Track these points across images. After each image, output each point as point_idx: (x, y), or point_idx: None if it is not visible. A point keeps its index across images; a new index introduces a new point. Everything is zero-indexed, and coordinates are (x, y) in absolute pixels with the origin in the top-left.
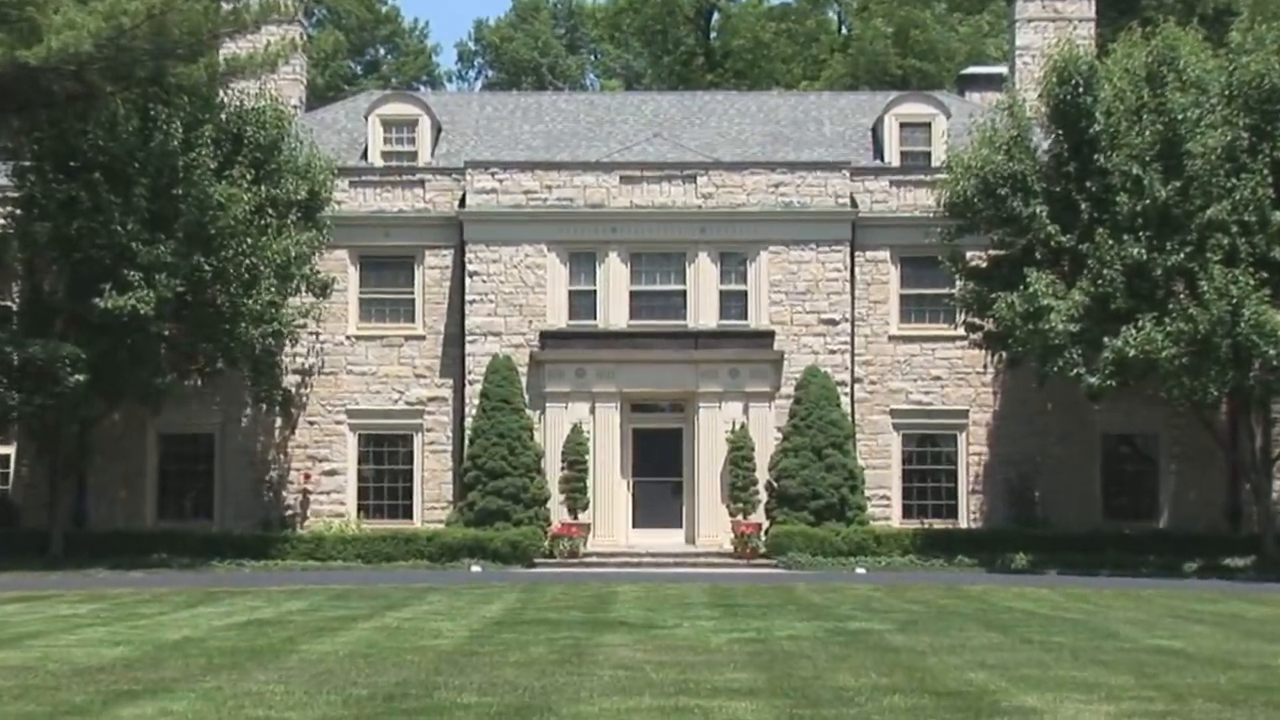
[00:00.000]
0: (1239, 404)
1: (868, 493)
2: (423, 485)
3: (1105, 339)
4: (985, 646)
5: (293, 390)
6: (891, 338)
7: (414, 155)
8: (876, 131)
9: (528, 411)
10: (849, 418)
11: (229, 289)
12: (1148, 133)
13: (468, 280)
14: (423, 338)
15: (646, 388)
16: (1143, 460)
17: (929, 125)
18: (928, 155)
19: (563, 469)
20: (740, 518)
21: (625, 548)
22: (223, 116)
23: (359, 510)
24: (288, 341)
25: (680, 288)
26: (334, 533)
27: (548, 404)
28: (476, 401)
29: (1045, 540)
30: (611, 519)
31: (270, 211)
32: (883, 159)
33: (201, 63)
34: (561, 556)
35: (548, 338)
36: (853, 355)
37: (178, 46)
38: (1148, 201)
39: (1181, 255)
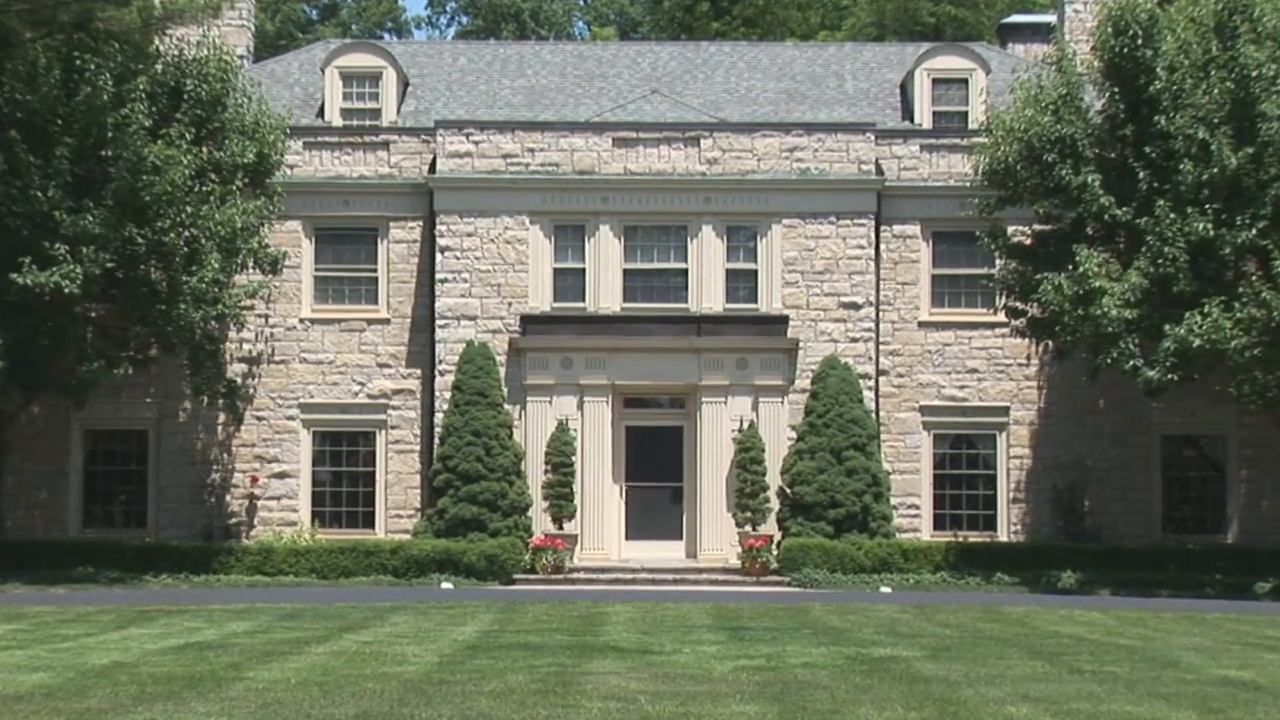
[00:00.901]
0: None
1: (894, 501)
2: (386, 490)
3: (1166, 327)
4: (1028, 677)
5: (238, 381)
6: (922, 324)
7: (377, 113)
8: (906, 88)
9: (506, 406)
10: (873, 415)
11: (166, 265)
12: (1216, 91)
13: (438, 256)
14: (387, 322)
15: (642, 380)
16: (1208, 465)
17: (965, 81)
18: (964, 116)
19: (546, 472)
20: (748, 529)
21: (617, 562)
22: (159, 68)
23: (313, 518)
24: (233, 325)
25: (681, 266)
26: (285, 544)
27: (529, 398)
28: (448, 395)
29: (1096, 556)
30: (602, 529)
31: (213, 177)
32: (912, 120)
33: (135, 5)
34: (544, 572)
35: (530, 322)
36: (877, 344)
37: None
38: (1215, 170)
39: (1253, 231)
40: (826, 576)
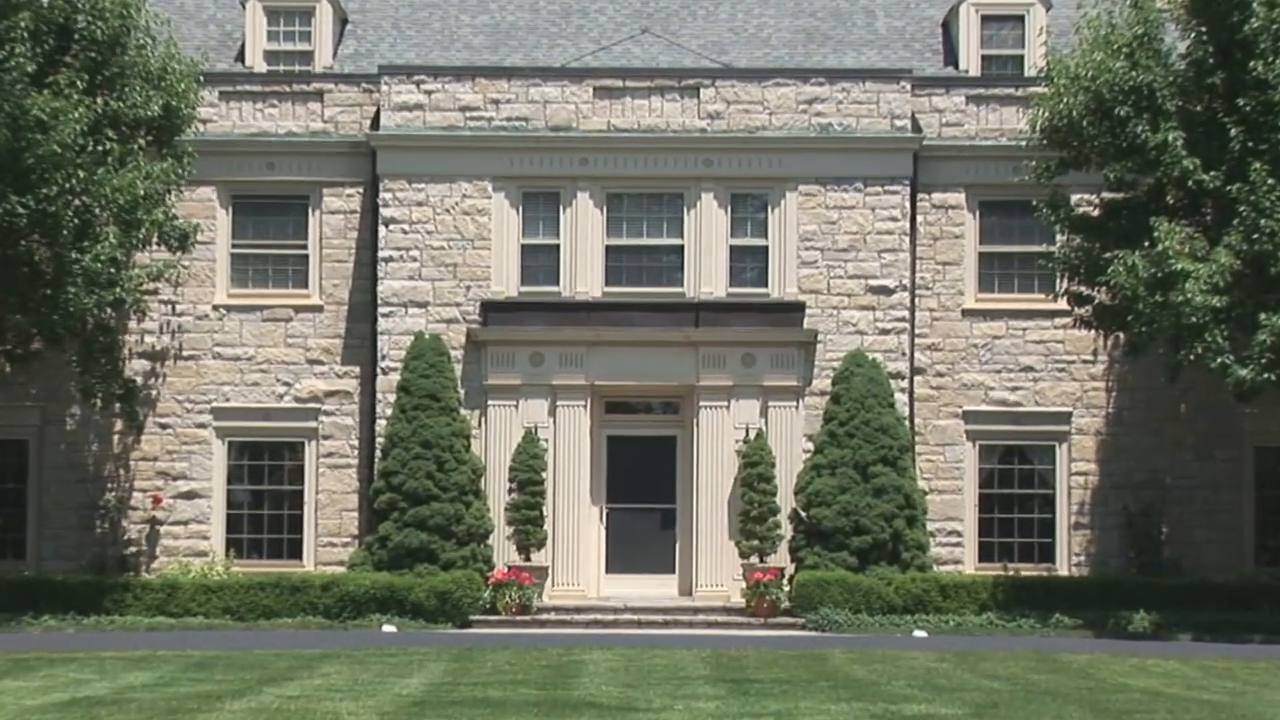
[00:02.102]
0: None
1: (931, 526)
2: (317, 513)
3: (1261, 316)
4: None
5: (138, 381)
6: (966, 313)
7: (309, 57)
8: (949, 28)
9: (463, 412)
10: (906, 423)
11: (51, 240)
12: None
13: (382, 230)
14: (319, 309)
15: (628, 380)
16: None
17: (1021, 19)
18: (1019, 61)
19: (511, 491)
20: (755, 559)
21: (596, 600)
22: (44, 1)
23: (228, 547)
24: (132, 313)
25: (675, 242)
26: (193, 578)
27: (491, 401)
28: (393, 398)
29: (1175, 593)
30: (577, 561)
31: (110, 134)
32: (957, 65)
33: None
34: (508, 612)
35: (492, 310)
36: (912, 337)
37: None
38: None
39: None
40: (849, 618)
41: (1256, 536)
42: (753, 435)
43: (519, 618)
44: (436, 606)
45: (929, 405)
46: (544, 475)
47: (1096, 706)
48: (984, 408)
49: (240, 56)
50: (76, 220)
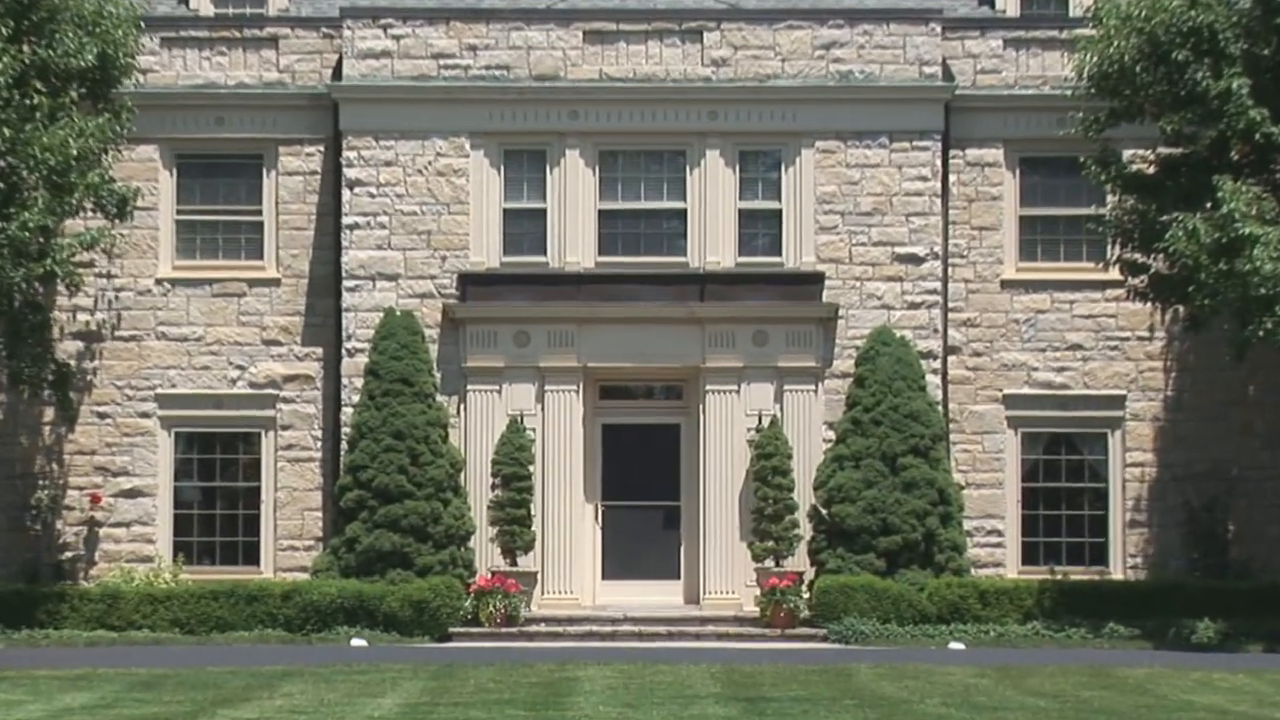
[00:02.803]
0: None
1: (968, 525)
2: (276, 513)
3: None
4: None
5: (72, 365)
6: (1006, 284)
7: None
8: None
9: (440, 398)
10: (939, 409)
11: None
12: None
13: (346, 194)
14: (276, 283)
15: (625, 361)
16: None
17: None
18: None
19: (495, 488)
20: (770, 563)
21: (591, 609)
22: None
23: (176, 552)
24: (65, 288)
25: (677, 205)
26: (137, 587)
27: (471, 386)
28: (360, 383)
29: (1245, 598)
30: (570, 565)
31: (38, 86)
32: (993, 5)
33: None
34: (492, 623)
35: (471, 283)
36: (945, 311)
37: None
38: None
39: None
40: (876, 628)
41: None
42: (766, 423)
43: (505, 630)
44: (411, 617)
45: (965, 388)
46: (531, 469)
47: None
48: (1026, 391)
49: None
50: (1, 184)
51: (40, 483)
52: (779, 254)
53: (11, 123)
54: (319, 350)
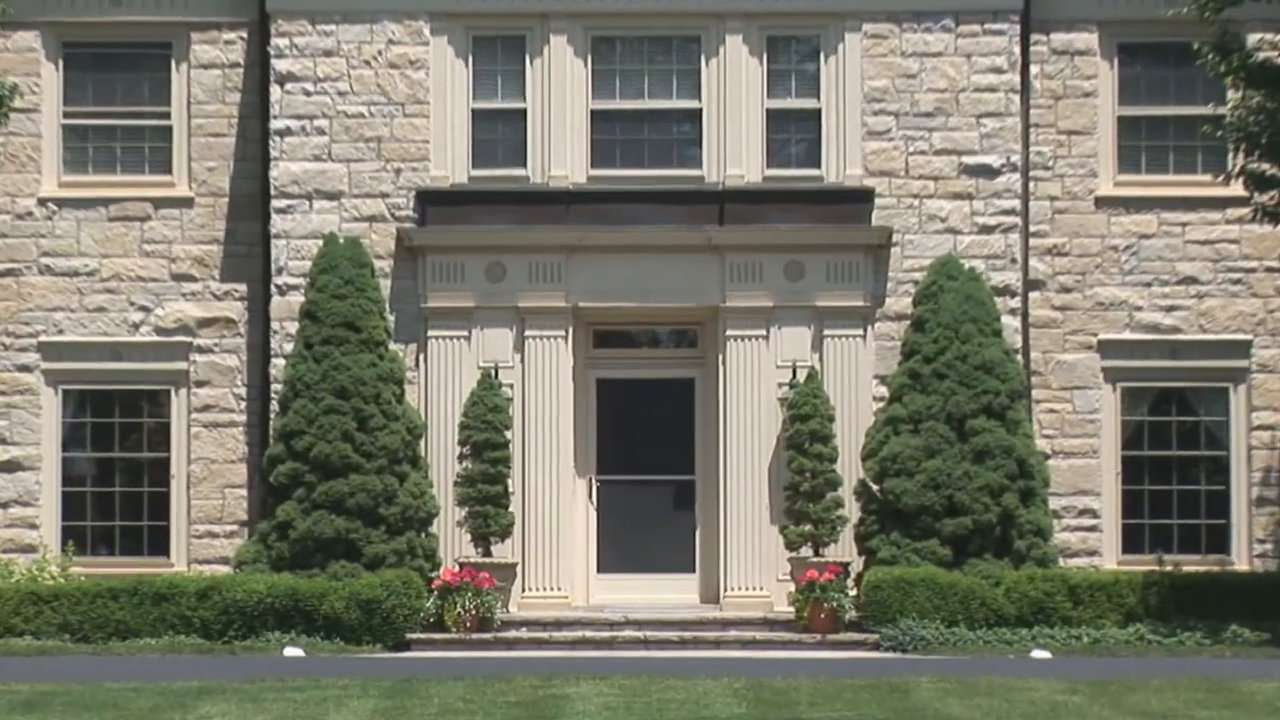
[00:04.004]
0: None
1: (1055, 503)
2: (189, 491)
3: None
4: None
5: None
6: (1102, 202)
7: None
8: None
9: (394, 347)
10: (1018, 358)
11: None
12: None
13: (275, 91)
14: (188, 204)
15: (625, 300)
16: None
17: None
18: None
19: (463, 459)
20: (808, 552)
21: (584, 610)
22: None
23: (66, 539)
24: None
25: (690, 105)
26: (17, 584)
27: (433, 332)
28: (294, 328)
29: None
30: (557, 555)
31: None
32: None
33: None
34: (461, 628)
35: (434, 203)
36: (1026, 237)
37: None
38: None
39: None
40: (940, 632)
41: None
42: (802, 377)
43: (476, 636)
44: (360, 620)
45: (1050, 333)
46: (509, 435)
47: None
48: (1128, 336)
49: None
50: None
51: None
52: (817, 166)
53: None
54: (242, 287)
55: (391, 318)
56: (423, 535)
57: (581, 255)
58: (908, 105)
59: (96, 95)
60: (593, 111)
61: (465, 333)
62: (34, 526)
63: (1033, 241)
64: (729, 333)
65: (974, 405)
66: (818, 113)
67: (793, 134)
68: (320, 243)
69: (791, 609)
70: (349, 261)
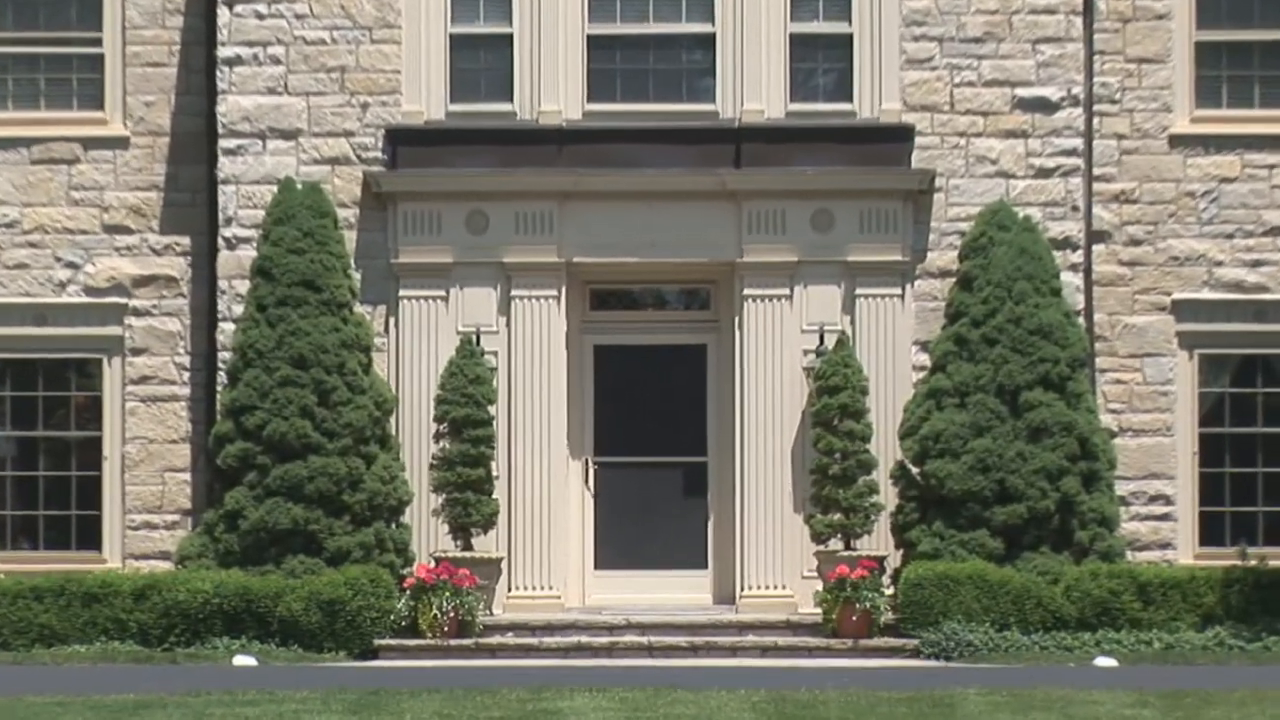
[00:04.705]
0: None
1: (1122, 489)
2: (124, 476)
3: None
4: None
5: None
6: (1177, 141)
7: None
8: None
9: (360, 309)
10: (1080, 321)
11: None
12: None
13: (223, 14)
14: (123, 144)
15: (627, 254)
16: None
17: None
18: None
19: (440, 438)
20: (837, 544)
21: (579, 612)
22: None
23: None
24: None
25: (701, 29)
26: None
27: (405, 291)
28: (245, 287)
29: None
30: (549, 549)
31: None
32: None
33: None
34: (438, 632)
35: (405, 143)
36: (1089, 181)
37: None
38: None
39: None
40: (990, 637)
41: None
42: (831, 343)
43: (455, 642)
44: (321, 624)
45: (1117, 292)
46: (492, 411)
47: None
48: (1206, 295)
49: None
50: None
51: None
52: (848, 99)
53: None
54: (185, 241)
55: (357, 275)
56: (393, 526)
57: (577, 203)
58: (953, 29)
59: (17, 20)
60: (589, 37)
61: (442, 292)
62: None
63: (1097, 187)
64: (747, 292)
65: (1029, 375)
66: (849, 38)
67: (820, 63)
68: (275, 189)
69: (818, 610)
70: (308, 211)
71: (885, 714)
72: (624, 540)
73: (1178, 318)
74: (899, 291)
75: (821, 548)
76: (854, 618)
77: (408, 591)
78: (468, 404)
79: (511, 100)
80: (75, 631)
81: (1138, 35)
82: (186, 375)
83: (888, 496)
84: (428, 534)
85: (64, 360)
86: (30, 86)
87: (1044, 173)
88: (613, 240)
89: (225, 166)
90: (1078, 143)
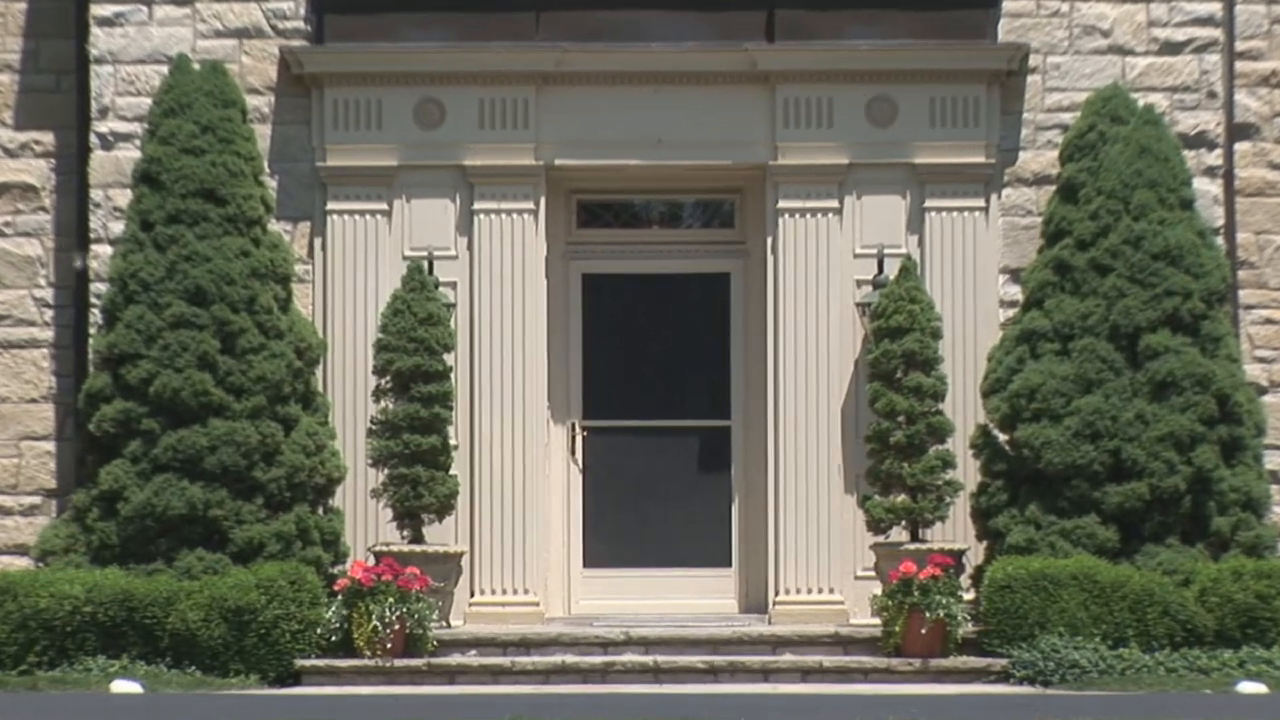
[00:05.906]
0: None
1: (1274, 462)
2: None
3: None
4: None
5: None
6: None
7: None
8: None
9: (275, 227)
10: (1218, 243)
11: None
12: None
13: None
14: None
15: (625, 156)
16: None
17: None
18: None
19: (381, 395)
20: (901, 534)
21: (565, 624)
22: None
23: None
24: None
25: None
26: None
27: (334, 204)
28: (127, 198)
29: None
30: (522, 539)
31: None
32: None
33: None
34: (377, 651)
35: (335, 9)
36: (1231, 60)
37: None
38: None
39: None
40: (1100, 655)
41: None
42: (893, 271)
43: (402, 662)
44: (226, 639)
45: (1267, 204)
46: (449, 361)
47: None
48: None
49: None
50: None
51: None
52: None
53: None
54: (48, 138)
55: (273, 183)
56: (321, 511)
57: (559, 88)
58: None
59: None
60: None
61: (384, 205)
62: None
63: (1240, 66)
64: (782, 204)
65: (1152, 314)
66: None
67: None
68: (165, 71)
69: (876, 621)
70: (208, 98)
71: None
72: (621, 529)
73: None
74: (981, 204)
75: (881, 539)
76: (923, 630)
77: (339, 596)
78: (417, 351)
79: None
80: None
81: None
82: (50, 314)
83: (967, 472)
84: (366, 521)
85: None
86: None
87: (1171, 48)
88: (607, 137)
89: (100, 41)
90: (1215, 8)
